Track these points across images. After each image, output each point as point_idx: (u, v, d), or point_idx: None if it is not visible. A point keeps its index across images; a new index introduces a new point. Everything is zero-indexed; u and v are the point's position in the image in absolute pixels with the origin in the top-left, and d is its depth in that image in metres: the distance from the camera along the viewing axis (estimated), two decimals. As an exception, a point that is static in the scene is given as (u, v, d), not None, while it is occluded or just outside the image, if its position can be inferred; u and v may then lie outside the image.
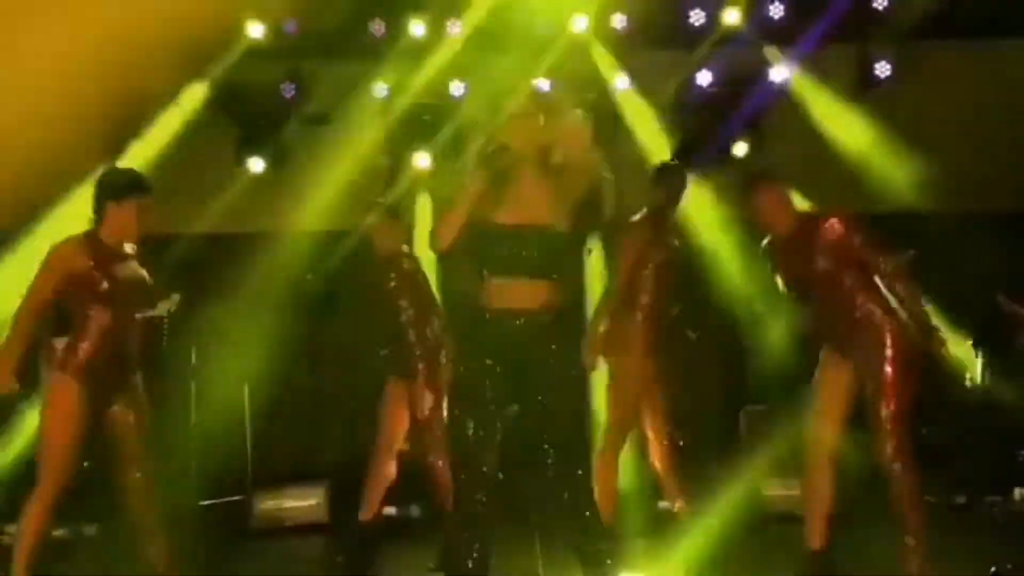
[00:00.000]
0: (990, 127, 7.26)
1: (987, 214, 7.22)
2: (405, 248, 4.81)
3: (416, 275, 4.63)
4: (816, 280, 3.85)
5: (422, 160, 7.19)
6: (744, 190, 4.00)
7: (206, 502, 6.09)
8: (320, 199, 7.51)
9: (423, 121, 7.27)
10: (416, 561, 4.73)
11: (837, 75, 7.42)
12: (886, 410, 3.70)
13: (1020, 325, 5.64)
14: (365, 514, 4.59)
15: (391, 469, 4.59)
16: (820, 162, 7.10)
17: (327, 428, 6.87)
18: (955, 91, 7.31)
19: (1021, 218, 6.83)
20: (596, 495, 4.34)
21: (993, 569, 3.73)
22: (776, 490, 5.50)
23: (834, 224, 3.83)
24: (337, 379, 7.48)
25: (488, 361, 3.27)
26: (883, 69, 7.28)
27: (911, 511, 3.69)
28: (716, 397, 7.72)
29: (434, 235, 3.30)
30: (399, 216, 5.01)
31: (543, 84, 5.70)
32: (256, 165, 7.26)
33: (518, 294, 3.26)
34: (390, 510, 5.80)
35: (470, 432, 3.26)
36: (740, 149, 7.29)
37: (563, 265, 3.35)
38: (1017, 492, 5.35)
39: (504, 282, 3.27)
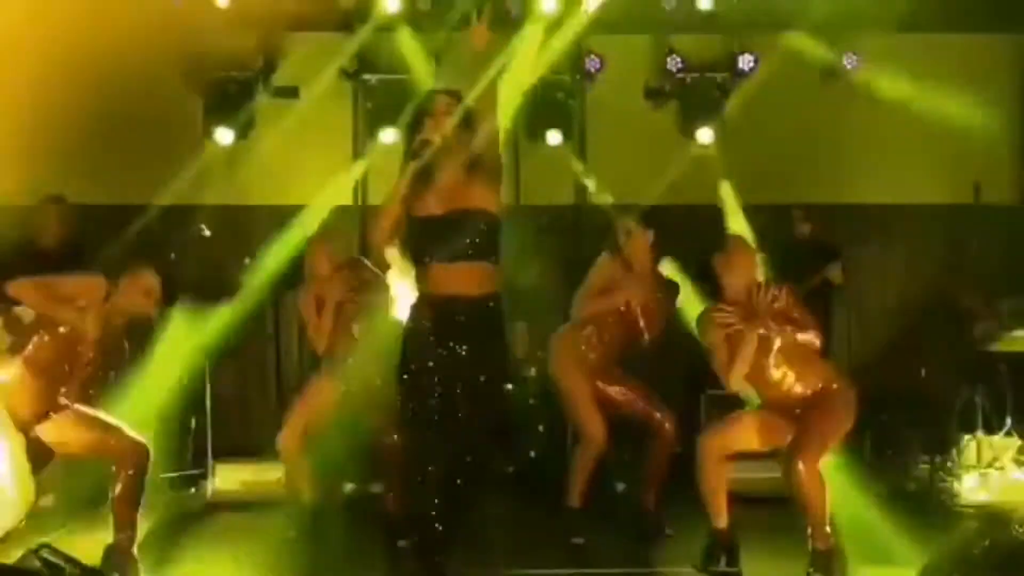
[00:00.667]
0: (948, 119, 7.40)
1: (938, 206, 7.39)
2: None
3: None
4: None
5: (386, 136, 7.16)
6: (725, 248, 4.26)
7: (165, 475, 6.05)
8: (287, 173, 7.49)
9: (394, 98, 7.23)
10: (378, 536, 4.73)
11: (804, 64, 7.51)
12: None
13: (976, 317, 5.75)
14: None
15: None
16: (785, 152, 7.22)
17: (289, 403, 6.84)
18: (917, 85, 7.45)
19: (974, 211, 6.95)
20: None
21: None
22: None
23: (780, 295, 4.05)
24: (300, 355, 7.48)
25: (434, 347, 3.37)
26: (849, 59, 7.37)
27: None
28: (678, 382, 7.82)
29: (373, 228, 3.55)
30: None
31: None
32: (224, 137, 7.17)
33: (458, 279, 3.35)
34: (349, 486, 5.81)
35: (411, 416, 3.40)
36: (705, 136, 7.35)
37: (498, 248, 3.44)
38: (969, 478, 5.48)
39: (444, 268, 3.36)
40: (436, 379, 3.35)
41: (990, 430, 5.86)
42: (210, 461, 5.60)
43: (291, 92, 7.28)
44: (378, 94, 7.25)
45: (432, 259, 3.37)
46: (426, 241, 3.39)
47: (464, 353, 3.35)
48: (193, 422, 6.75)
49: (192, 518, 5.19)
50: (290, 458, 4.62)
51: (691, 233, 7.50)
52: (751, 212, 6.82)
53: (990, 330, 5.75)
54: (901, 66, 7.43)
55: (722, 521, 4.07)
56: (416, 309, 3.47)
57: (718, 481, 4.07)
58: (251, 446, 6.93)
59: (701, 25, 7.23)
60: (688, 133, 7.41)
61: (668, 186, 7.11)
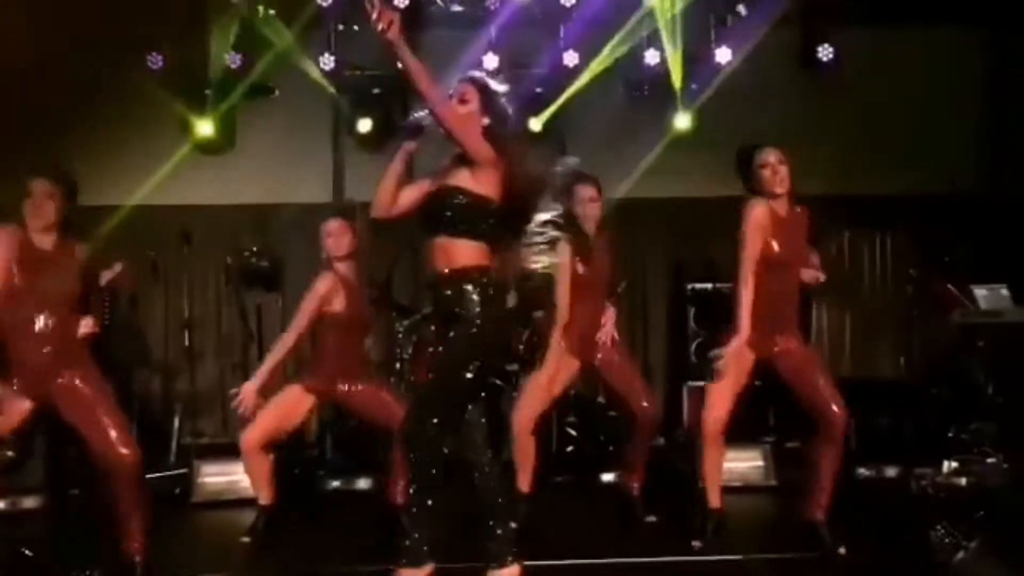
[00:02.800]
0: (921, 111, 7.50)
1: (916, 196, 7.48)
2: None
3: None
4: (781, 263, 4.00)
5: (363, 125, 7.17)
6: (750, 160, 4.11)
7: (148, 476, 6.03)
8: (265, 171, 7.49)
9: (370, 92, 7.26)
10: (361, 532, 4.75)
11: (781, 58, 7.58)
12: (824, 377, 3.99)
13: (949, 304, 5.81)
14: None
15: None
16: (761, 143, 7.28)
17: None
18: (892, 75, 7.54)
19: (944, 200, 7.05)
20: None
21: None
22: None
23: (809, 215, 4.08)
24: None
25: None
26: (826, 52, 7.44)
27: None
28: (660, 373, 7.89)
29: (373, 205, 3.50)
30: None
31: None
32: (204, 128, 7.18)
33: (451, 255, 3.39)
34: (335, 483, 5.83)
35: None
36: (682, 121, 7.43)
37: (485, 225, 3.42)
38: (946, 465, 5.54)
39: (442, 242, 3.40)
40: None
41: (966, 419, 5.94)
42: (194, 461, 5.58)
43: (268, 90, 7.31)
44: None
45: (430, 235, 3.45)
46: (424, 217, 3.48)
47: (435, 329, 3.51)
48: (176, 422, 6.77)
49: (177, 518, 5.18)
50: (251, 457, 4.58)
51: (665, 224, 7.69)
52: (728, 204, 6.87)
53: (965, 318, 5.80)
54: (874, 58, 7.53)
55: (717, 500, 4.14)
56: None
57: (720, 458, 4.15)
58: (234, 445, 6.95)
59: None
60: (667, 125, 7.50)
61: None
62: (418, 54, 3.20)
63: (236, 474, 5.50)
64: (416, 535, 3.28)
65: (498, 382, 6.12)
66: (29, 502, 5.30)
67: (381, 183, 3.49)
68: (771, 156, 4.02)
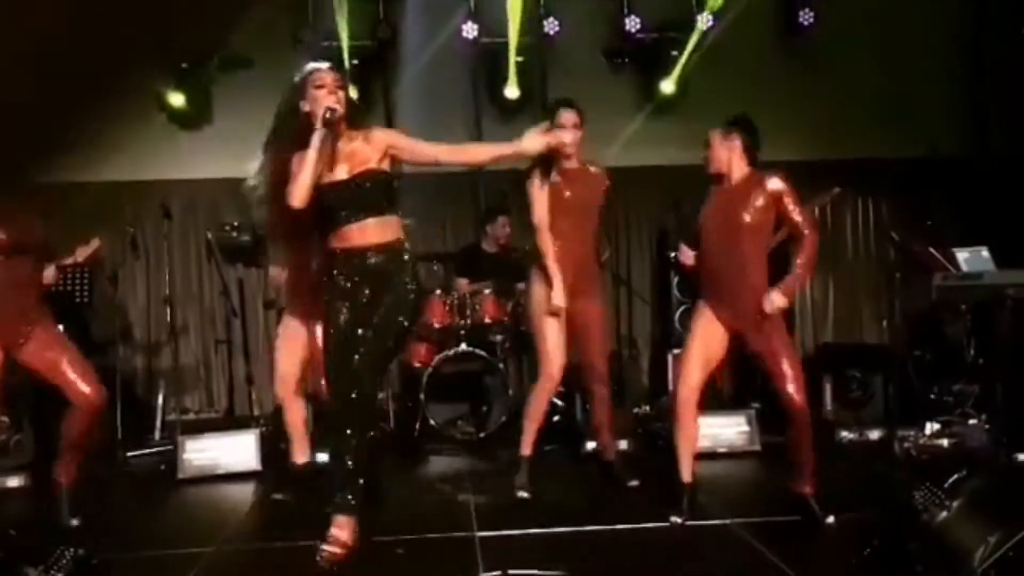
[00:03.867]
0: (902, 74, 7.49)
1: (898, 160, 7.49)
2: None
3: None
4: (734, 232, 3.98)
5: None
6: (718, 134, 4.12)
7: (133, 453, 6.03)
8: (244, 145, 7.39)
9: (351, 66, 7.17)
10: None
11: (761, 23, 7.55)
12: (790, 361, 3.93)
13: (931, 267, 5.83)
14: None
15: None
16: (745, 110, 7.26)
17: (255, 375, 6.83)
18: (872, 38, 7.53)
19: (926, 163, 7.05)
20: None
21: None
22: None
23: (776, 181, 3.97)
24: (266, 328, 7.46)
25: (351, 293, 3.74)
26: (807, 17, 7.43)
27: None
28: (645, 341, 7.92)
29: (290, 195, 3.61)
30: None
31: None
32: (176, 100, 7.14)
33: (373, 233, 3.71)
34: (322, 456, 5.80)
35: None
36: (667, 87, 7.41)
37: (397, 201, 3.82)
38: (928, 427, 5.59)
39: (360, 225, 3.70)
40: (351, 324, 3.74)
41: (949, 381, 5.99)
42: (179, 437, 5.56)
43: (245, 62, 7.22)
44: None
45: (348, 219, 3.71)
46: (339, 204, 3.71)
47: (365, 301, 3.73)
48: (160, 398, 6.75)
49: (163, 494, 5.16)
50: (288, 407, 4.61)
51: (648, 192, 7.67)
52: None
53: (946, 280, 5.83)
54: (854, 20, 7.51)
55: (688, 475, 4.16)
56: (333, 266, 3.78)
57: (690, 431, 4.15)
58: (218, 420, 6.94)
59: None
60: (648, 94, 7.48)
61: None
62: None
63: (221, 449, 5.50)
64: (353, 487, 3.65)
65: (482, 353, 6.13)
66: (13, 481, 5.28)
67: (302, 174, 3.59)
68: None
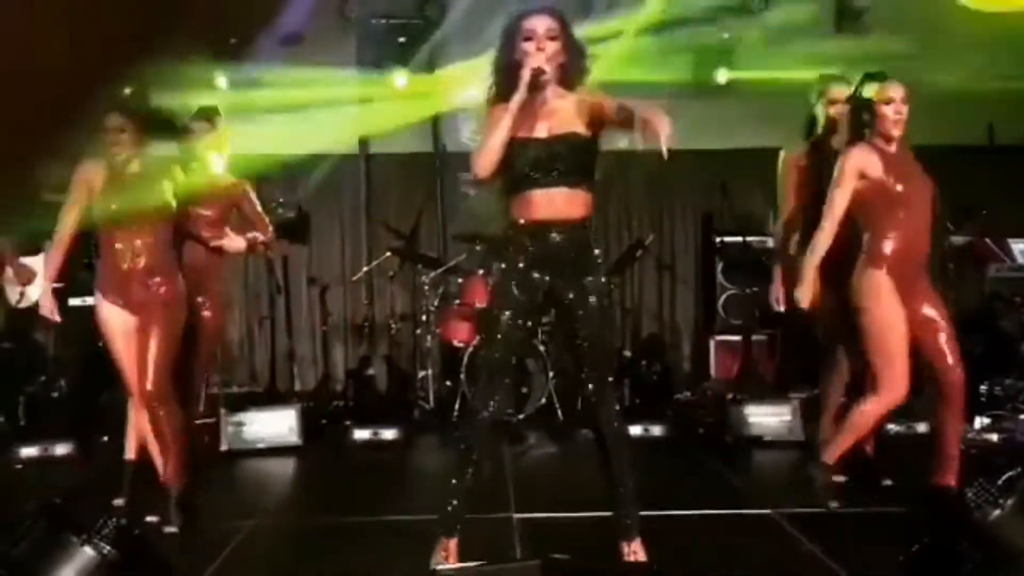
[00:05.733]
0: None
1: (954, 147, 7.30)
2: None
3: None
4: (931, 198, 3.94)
5: (399, 80, 7.10)
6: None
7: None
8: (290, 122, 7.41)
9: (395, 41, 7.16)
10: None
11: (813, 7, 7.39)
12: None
13: (985, 258, 5.70)
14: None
15: None
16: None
17: (298, 351, 6.88)
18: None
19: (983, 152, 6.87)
20: None
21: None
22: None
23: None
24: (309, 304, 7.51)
25: (528, 273, 3.20)
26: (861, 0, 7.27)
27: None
28: (688, 327, 7.84)
29: (477, 164, 3.17)
30: None
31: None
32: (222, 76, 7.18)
33: (557, 205, 3.16)
34: (363, 433, 5.83)
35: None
36: (722, 76, 7.29)
37: (594, 173, 3.23)
38: (978, 421, 5.48)
39: (544, 193, 3.15)
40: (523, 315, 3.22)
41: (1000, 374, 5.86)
42: (221, 410, 5.61)
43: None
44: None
45: (531, 186, 3.16)
46: (523, 168, 3.15)
47: (552, 279, 3.20)
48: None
49: (204, 467, 5.22)
50: None
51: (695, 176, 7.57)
52: (757, 155, 6.76)
53: (1000, 272, 5.70)
54: (909, 4, 7.32)
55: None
56: (510, 239, 3.25)
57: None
58: (259, 394, 6.99)
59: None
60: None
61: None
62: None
63: (263, 423, 5.55)
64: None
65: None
66: (60, 449, 5.37)
67: (490, 139, 3.13)
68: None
